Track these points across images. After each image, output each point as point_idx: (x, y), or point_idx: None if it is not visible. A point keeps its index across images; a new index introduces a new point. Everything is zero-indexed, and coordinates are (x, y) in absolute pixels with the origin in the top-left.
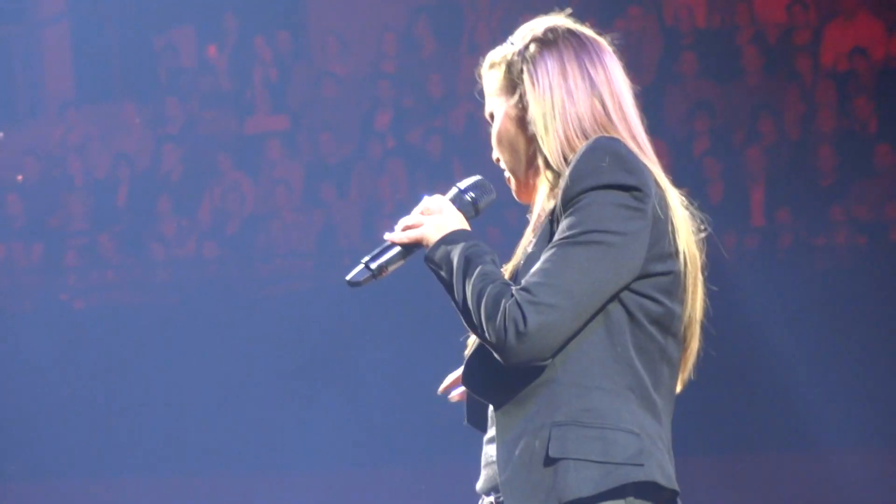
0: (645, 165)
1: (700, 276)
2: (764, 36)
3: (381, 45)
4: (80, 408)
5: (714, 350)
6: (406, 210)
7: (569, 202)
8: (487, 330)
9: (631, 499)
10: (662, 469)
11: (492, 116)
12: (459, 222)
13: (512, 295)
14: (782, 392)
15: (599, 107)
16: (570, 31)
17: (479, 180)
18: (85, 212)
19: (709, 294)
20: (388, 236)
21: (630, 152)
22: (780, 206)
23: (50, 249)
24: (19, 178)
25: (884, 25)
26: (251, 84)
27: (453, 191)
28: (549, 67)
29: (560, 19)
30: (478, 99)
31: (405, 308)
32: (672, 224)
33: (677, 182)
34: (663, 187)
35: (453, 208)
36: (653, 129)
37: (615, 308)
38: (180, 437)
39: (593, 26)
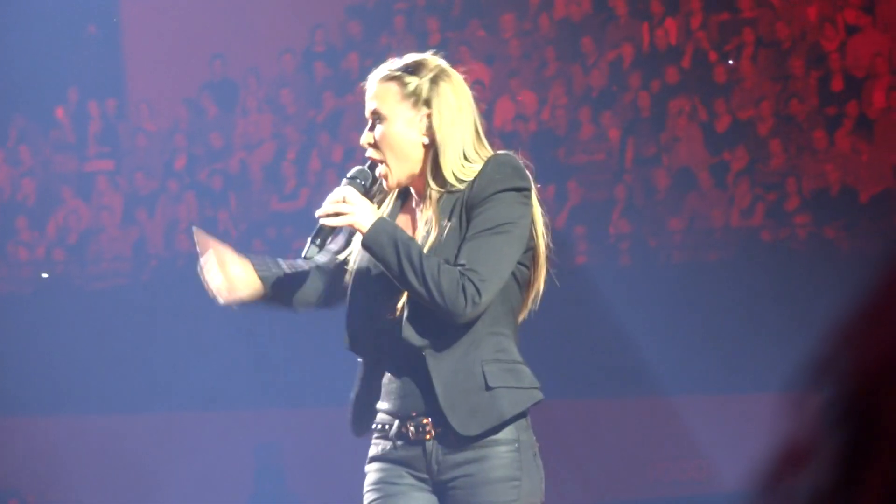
0: (525, 171)
1: (544, 251)
2: None
3: (176, 110)
4: None
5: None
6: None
7: (483, 201)
8: (447, 302)
9: (527, 412)
10: (540, 390)
11: (375, 115)
12: (376, 210)
13: (463, 274)
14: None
15: (473, 130)
16: (451, 70)
17: (361, 169)
18: None
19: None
20: (323, 221)
21: (518, 162)
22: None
23: None
24: None
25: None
26: (86, 136)
27: (346, 180)
28: (451, 102)
29: (435, 57)
30: (247, 148)
31: None
32: (534, 213)
33: None
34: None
35: (363, 197)
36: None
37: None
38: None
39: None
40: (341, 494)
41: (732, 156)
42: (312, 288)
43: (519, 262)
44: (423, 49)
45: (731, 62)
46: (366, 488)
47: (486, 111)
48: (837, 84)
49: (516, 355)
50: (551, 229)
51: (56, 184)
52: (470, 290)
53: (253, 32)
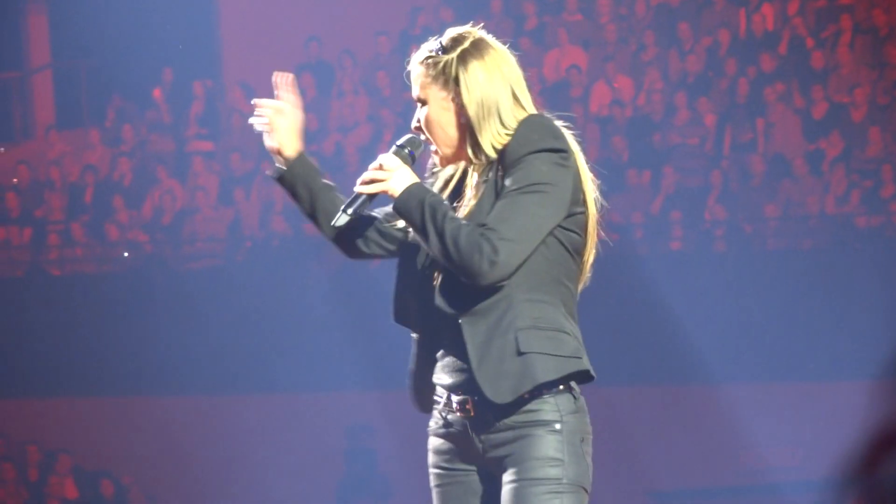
0: (563, 132)
1: (596, 216)
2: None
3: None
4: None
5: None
6: (292, 213)
7: (513, 163)
8: (464, 261)
9: (573, 383)
10: (588, 362)
11: (420, 100)
12: (413, 176)
13: (482, 234)
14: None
15: (509, 96)
16: (483, 41)
17: (412, 137)
18: (61, 206)
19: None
20: (357, 188)
21: (553, 123)
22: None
23: (36, 232)
24: (14, 180)
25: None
26: (183, 116)
27: (394, 148)
28: (479, 77)
29: (473, 29)
30: (342, 130)
31: None
32: (581, 177)
33: None
34: (575, 150)
35: (403, 164)
36: None
37: (551, 239)
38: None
39: None
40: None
41: (828, 143)
42: (364, 232)
43: (567, 228)
44: (519, 33)
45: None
46: (429, 466)
47: (582, 95)
48: None
49: (561, 324)
50: (647, 214)
51: (152, 164)
52: (486, 248)
53: (348, 15)
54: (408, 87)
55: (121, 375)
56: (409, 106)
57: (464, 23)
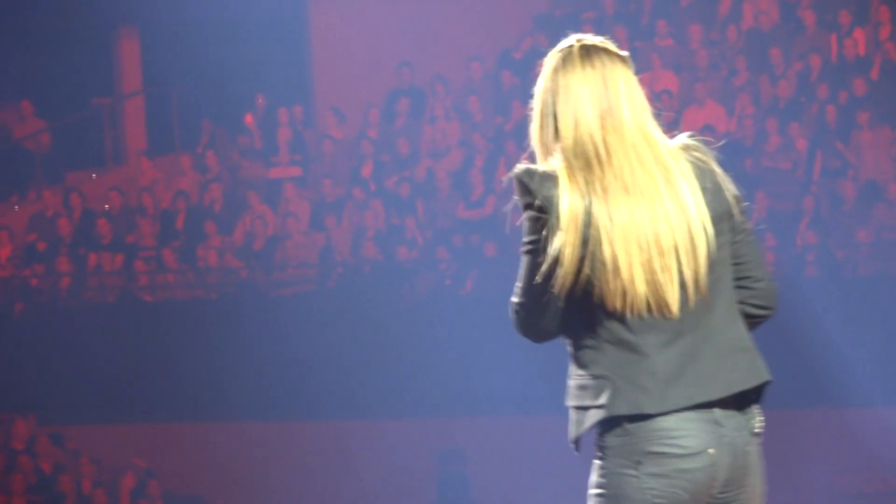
0: (545, 175)
1: (569, 263)
2: None
3: (367, 116)
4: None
5: None
6: (384, 239)
7: None
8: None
9: (608, 432)
10: (629, 400)
11: None
12: None
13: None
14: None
15: (547, 129)
16: (549, 58)
17: None
18: (153, 232)
19: None
20: None
21: (521, 172)
22: None
23: (128, 258)
24: (106, 206)
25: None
26: (275, 142)
27: None
28: (533, 102)
29: (562, 45)
30: (434, 155)
31: None
32: (557, 217)
33: None
34: (559, 188)
35: None
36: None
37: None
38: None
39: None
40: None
41: None
42: None
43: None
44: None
45: None
46: None
47: (674, 120)
48: None
49: (590, 369)
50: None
51: (243, 189)
52: (510, 311)
53: (440, 40)
54: (501, 113)
55: (211, 401)
56: (501, 131)
57: (556, 47)
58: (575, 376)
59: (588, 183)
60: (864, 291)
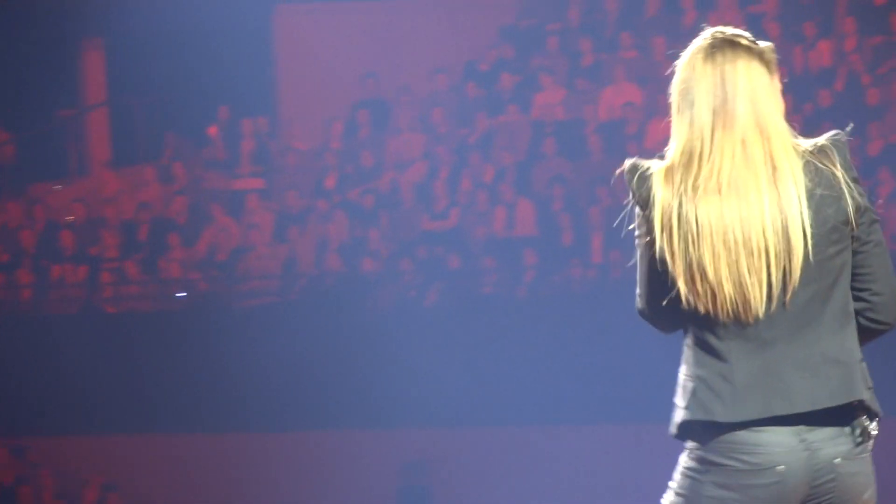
0: (646, 172)
1: (671, 254)
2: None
3: (331, 128)
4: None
5: None
6: (347, 251)
7: None
8: None
9: (687, 432)
10: (704, 406)
11: None
12: None
13: None
14: None
15: (674, 123)
16: (688, 51)
17: None
18: (116, 244)
19: None
20: None
21: (626, 167)
22: (613, 248)
23: (91, 270)
24: (70, 218)
25: None
26: (238, 154)
27: None
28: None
29: (705, 32)
30: (398, 167)
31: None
32: (651, 219)
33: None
34: (658, 179)
35: None
36: (522, 193)
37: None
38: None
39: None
40: None
41: (880, 180)
42: None
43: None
44: (575, 70)
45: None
46: None
47: (638, 132)
48: None
49: (685, 369)
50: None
51: (206, 201)
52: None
53: (405, 52)
54: (465, 125)
55: (173, 412)
56: (465, 143)
57: (519, 61)
58: (679, 373)
59: (682, 182)
60: None
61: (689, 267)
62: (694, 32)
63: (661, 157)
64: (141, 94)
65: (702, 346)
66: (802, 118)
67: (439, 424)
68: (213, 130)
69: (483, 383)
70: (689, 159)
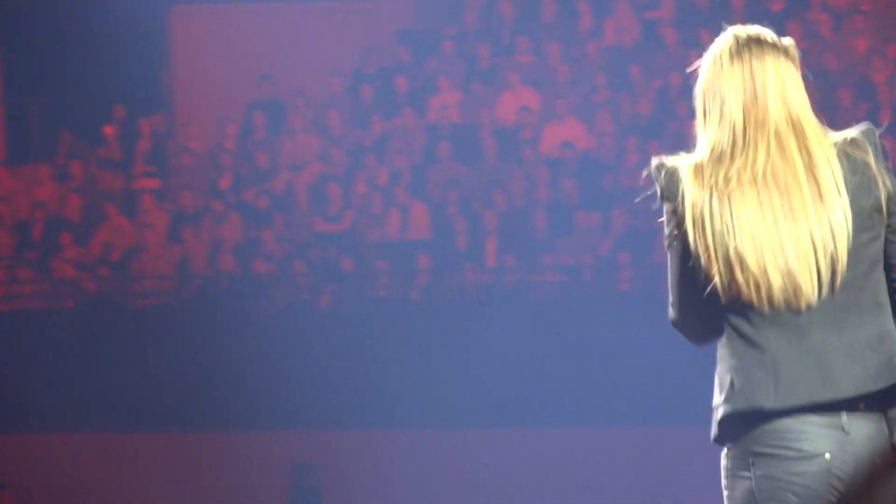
0: (673, 169)
1: (706, 251)
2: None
3: (226, 129)
4: None
5: None
6: (241, 252)
7: None
8: None
9: (728, 429)
10: (747, 396)
11: None
12: None
13: None
14: None
15: (702, 122)
16: (713, 50)
17: None
18: (9, 242)
19: None
20: None
21: (654, 164)
22: (507, 253)
23: None
24: None
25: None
26: (134, 153)
27: None
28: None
29: (727, 32)
30: (293, 169)
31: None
32: (681, 205)
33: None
34: (688, 175)
35: None
36: (417, 196)
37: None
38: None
39: None
40: None
41: None
42: None
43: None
44: (471, 74)
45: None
46: None
47: (533, 137)
48: (885, 117)
49: (721, 367)
50: (596, 256)
51: (101, 201)
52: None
53: (301, 54)
54: (360, 127)
55: (65, 411)
56: (360, 146)
57: (415, 64)
58: (716, 375)
59: (713, 175)
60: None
61: (726, 258)
62: (590, 37)
63: (687, 153)
64: (36, 93)
65: (739, 338)
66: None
67: (331, 426)
68: (108, 130)
69: (375, 385)
70: (721, 155)
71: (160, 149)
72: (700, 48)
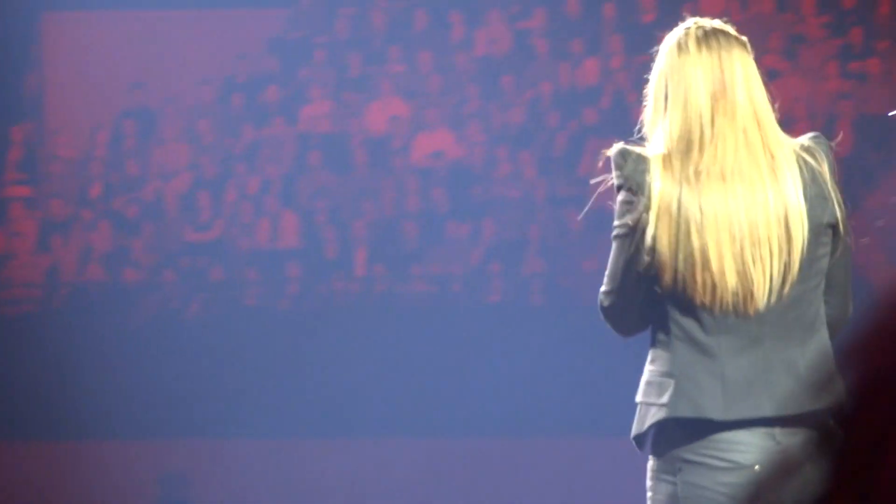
0: (639, 157)
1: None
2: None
3: (96, 136)
4: None
5: None
6: (110, 260)
7: None
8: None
9: (662, 433)
10: (692, 403)
11: None
12: None
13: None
14: None
15: (650, 109)
16: (674, 35)
17: None
18: None
19: None
20: None
21: (615, 151)
22: (377, 262)
23: None
24: None
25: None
26: (3, 161)
27: None
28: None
29: (687, 21)
30: (162, 177)
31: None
32: (648, 204)
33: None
34: (650, 173)
35: None
36: (287, 205)
37: (650, 280)
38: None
39: None
40: None
41: None
42: None
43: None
44: (342, 83)
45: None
46: None
47: (403, 146)
48: None
49: (661, 367)
50: (466, 266)
51: None
52: (599, 308)
53: (172, 62)
54: (230, 136)
55: None
56: (230, 154)
57: (286, 73)
58: (646, 371)
59: (682, 168)
60: (589, 319)
61: (688, 257)
62: (461, 47)
63: (641, 142)
64: None
65: (684, 341)
66: (568, 135)
67: (200, 435)
68: None
69: (244, 394)
70: (689, 145)
71: (30, 156)
72: (571, 59)
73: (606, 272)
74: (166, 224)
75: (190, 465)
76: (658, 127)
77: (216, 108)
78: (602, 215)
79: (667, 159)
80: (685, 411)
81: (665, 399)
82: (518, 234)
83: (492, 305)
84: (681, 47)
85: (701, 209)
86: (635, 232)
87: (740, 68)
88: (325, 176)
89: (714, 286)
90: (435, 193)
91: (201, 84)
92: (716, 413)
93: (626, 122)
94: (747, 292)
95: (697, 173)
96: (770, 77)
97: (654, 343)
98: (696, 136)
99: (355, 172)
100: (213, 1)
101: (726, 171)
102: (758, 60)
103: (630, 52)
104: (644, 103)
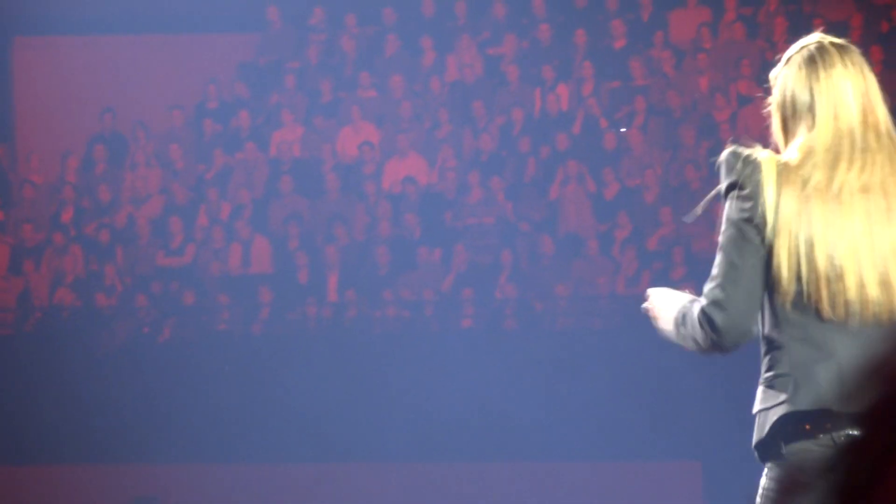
0: (754, 161)
1: (785, 242)
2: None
3: (68, 161)
4: None
5: None
6: (82, 285)
7: None
8: (698, 345)
9: (786, 433)
10: (814, 395)
11: None
12: (674, 302)
13: (701, 306)
14: None
15: (780, 120)
16: (805, 48)
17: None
18: None
19: None
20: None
21: (728, 153)
22: (348, 287)
23: None
24: None
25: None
26: None
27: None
28: (774, 94)
29: (813, 35)
30: (134, 202)
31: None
32: (763, 198)
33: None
34: (774, 172)
35: (670, 296)
36: (258, 230)
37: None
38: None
39: None
40: None
41: (619, 224)
42: None
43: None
44: (313, 108)
45: (623, 129)
46: None
47: (375, 172)
48: None
49: (776, 367)
50: (438, 292)
51: None
52: (705, 321)
53: (142, 87)
54: (202, 161)
55: None
56: (202, 179)
57: (257, 99)
58: (761, 381)
59: (815, 180)
60: (563, 344)
61: (816, 270)
62: (432, 73)
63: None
64: None
65: (801, 341)
66: (540, 160)
67: (172, 460)
68: None
69: (216, 419)
70: (836, 158)
71: (2, 181)
72: (542, 84)
73: (715, 281)
74: (138, 249)
75: (162, 490)
76: (798, 137)
77: (187, 133)
78: (574, 240)
79: (790, 168)
80: (805, 404)
81: (784, 396)
82: (490, 259)
83: (464, 330)
84: (825, 60)
85: (829, 223)
86: (752, 233)
87: (876, 87)
88: (297, 201)
89: (846, 296)
90: (407, 218)
91: (173, 109)
92: (836, 404)
93: (597, 147)
94: (890, 302)
95: (840, 186)
96: (742, 103)
97: (768, 350)
98: (846, 149)
99: (327, 197)
100: (185, 26)
101: (871, 184)
102: (729, 86)
103: (601, 77)
104: (771, 113)
